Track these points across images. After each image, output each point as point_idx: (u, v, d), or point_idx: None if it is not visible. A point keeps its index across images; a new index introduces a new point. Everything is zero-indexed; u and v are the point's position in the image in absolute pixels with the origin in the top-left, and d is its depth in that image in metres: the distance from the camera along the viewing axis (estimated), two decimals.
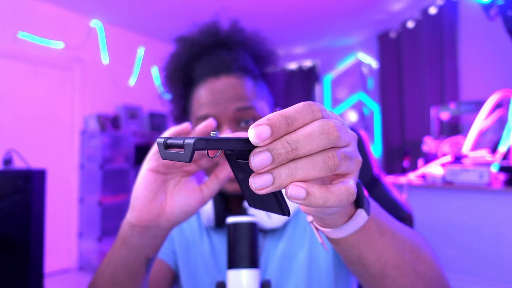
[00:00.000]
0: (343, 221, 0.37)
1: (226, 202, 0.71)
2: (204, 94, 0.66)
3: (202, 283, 0.69)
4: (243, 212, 0.67)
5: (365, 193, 0.39)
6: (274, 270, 0.67)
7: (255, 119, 0.65)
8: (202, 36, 0.70)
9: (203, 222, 0.71)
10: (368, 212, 0.38)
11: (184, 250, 0.73)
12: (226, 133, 0.37)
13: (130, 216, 0.47)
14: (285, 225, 0.69)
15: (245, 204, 0.66)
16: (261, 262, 0.68)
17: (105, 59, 3.83)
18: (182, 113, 0.74)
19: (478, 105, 2.54)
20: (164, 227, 0.48)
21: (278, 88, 0.75)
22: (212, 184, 0.49)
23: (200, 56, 0.69)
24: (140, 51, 4.19)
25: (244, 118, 0.64)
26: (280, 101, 0.76)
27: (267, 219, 0.65)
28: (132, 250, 0.48)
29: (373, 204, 0.42)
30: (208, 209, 0.68)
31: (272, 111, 0.72)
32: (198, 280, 0.70)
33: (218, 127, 0.65)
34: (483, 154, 2.34)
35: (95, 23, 3.74)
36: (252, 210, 0.65)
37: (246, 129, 0.64)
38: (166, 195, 0.48)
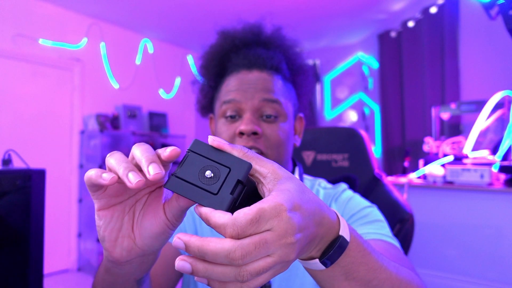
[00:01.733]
0: (306, 257, 0.37)
1: None
2: (234, 82, 0.69)
3: None
4: None
5: (348, 234, 0.37)
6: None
7: (278, 114, 0.67)
8: (244, 32, 0.74)
9: None
10: (326, 265, 0.36)
11: None
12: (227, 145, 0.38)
13: (104, 253, 0.41)
14: None
15: None
16: None
17: (104, 59, 3.82)
18: (209, 103, 0.77)
19: (479, 105, 2.53)
20: (144, 255, 0.41)
21: (304, 98, 0.79)
22: (172, 208, 0.38)
23: (238, 50, 0.72)
24: (140, 51, 4.18)
25: (267, 112, 0.66)
26: (305, 111, 0.80)
27: None
28: (116, 278, 0.44)
29: (356, 246, 0.39)
30: None
31: (295, 114, 0.75)
32: None
33: (240, 115, 0.67)
34: (484, 154, 2.33)
35: (95, 23, 3.73)
36: None
37: (267, 123, 0.67)
38: (132, 225, 0.39)
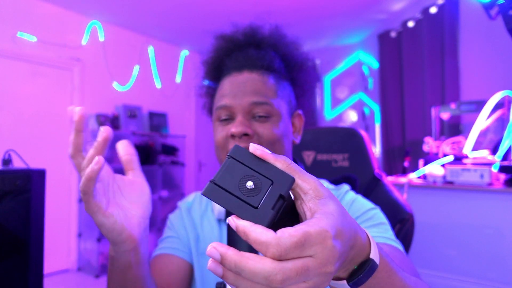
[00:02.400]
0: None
1: None
2: (226, 86, 0.70)
3: (211, 276, 0.71)
4: None
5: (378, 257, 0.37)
6: None
7: (270, 114, 0.68)
8: (238, 34, 0.75)
9: (215, 214, 0.74)
10: (353, 287, 0.35)
11: (195, 243, 0.75)
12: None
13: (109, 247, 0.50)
14: None
15: None
16: None
17: (104, 59, 3.82)
18: (211, 106, 0.79)
19: (479, 105, 2.53)
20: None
21: (305, 95, 0.79)
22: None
23: (231, 53, 0.74)
24: (140, 51, 4.18)
25: (258, 113, 0.67)
26: (305, 107, 0.80)
27: None
28: (116, 262, 0.50)
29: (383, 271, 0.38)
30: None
31: (291, 113, 0.75)
32: (207, 273, 0.72)
33: (233, 117, 0.69)
34: (484, 154, 2.33)
35: (95, 23, 3.73)
36: None
37: (259, 122, 0.68)
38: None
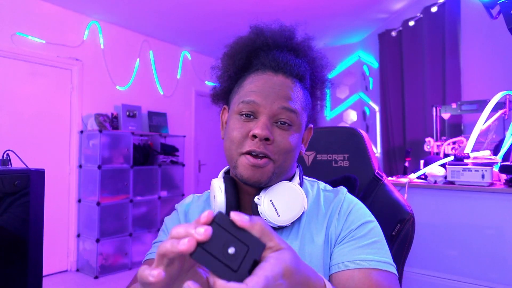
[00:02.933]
0: None
1: (238, 196, 0.72)
2: (258, 82, 0.69)
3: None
4: (254, 207, 0.69)
5: None
6: None
7: (292, 123, 0.68)
8: (277, 34, 0.73)
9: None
10: None
11: None
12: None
13: None
14: (293, 224, 0.71)
15: (256, 199, 0.69)
16: None
17: (103, 59, 3.81)
18: (225, 93, 0.77)
19: (480, 104, 2.52)
20: None
21: (321, 110, 0.80)
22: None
23: (269, 49, 0.72)
24: (140, 51, 4.17)
25: (282, 119, 0.67)
26: (317, 121, 0.82)
27: (276, 216, 0.67)
28: None
29: None
30: (220, 203, 0.69)
31: (307, 125, 0.75)
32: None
33: (256, 116, 0.67)
34: (485, 154, 2.32)
35: (94, 23, 3.72)
36: (262, 206, 0.68)
37: (280, 130, 0.67)
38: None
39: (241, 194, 0.73)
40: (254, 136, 0.65)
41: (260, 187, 0.69)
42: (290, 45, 0.74)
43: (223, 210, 0.69)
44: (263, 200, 0.68)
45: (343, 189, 0.77)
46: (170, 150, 4.15)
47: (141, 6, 3.46)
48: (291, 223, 0.68)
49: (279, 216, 0.67)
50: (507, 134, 2.26)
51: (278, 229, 0.71)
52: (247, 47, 0.73)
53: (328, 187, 0.80)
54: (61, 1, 3.34)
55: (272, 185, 0.69)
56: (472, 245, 2.07)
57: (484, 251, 2.02)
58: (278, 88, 0.68)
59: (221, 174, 0.76)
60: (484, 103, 2.47)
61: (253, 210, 0.69)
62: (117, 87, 3.94)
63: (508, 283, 1.94)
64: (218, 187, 0.70)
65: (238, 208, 0.71)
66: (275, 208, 0.67)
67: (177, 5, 3.43)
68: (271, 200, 0.68)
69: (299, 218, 0.71)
